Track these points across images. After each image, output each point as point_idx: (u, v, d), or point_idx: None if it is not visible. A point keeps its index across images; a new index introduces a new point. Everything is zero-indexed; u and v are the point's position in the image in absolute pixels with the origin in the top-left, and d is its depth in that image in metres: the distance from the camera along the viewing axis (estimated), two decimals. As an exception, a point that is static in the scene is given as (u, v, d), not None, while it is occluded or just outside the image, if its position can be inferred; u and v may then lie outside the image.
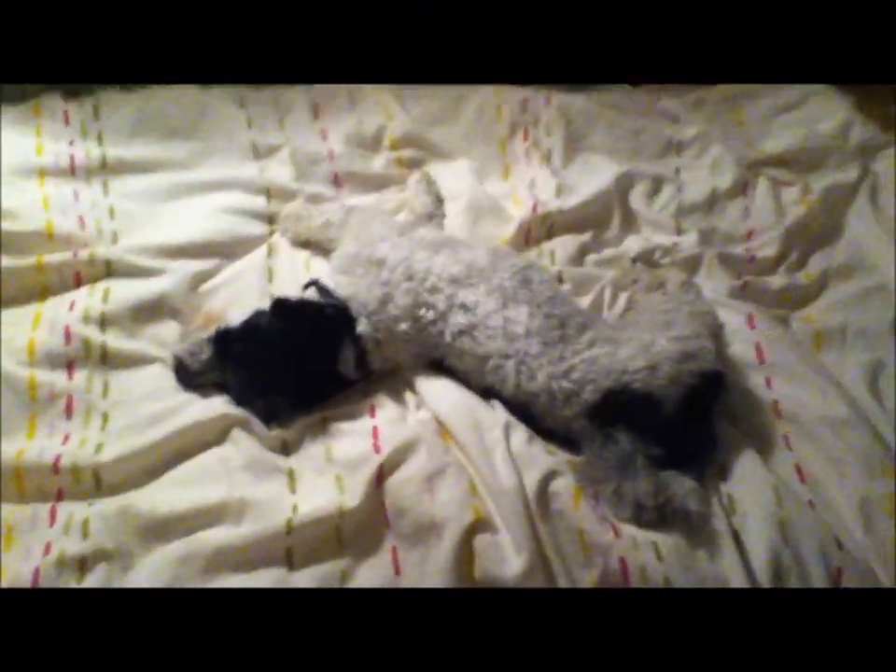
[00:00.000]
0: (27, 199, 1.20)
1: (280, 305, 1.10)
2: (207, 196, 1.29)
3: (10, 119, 1.29)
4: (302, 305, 1.11)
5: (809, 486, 1.04)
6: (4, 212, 1.16)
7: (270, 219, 1.29)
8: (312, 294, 1.14)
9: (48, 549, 0.92)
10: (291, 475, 1.02)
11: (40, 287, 1.14)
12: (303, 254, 1.26)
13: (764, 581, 0.95)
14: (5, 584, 0.90)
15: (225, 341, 1.08)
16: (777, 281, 1.28)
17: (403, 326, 1.09)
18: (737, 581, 0.94)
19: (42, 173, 1.24)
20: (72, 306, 1.12)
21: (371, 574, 0.94)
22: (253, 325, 1.09)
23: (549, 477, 0.99)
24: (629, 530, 0.96)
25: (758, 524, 0.99)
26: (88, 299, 1.13)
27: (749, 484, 1.03)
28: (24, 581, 0.89)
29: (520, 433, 1.04)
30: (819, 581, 0.96)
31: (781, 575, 0.96)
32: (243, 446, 1.03)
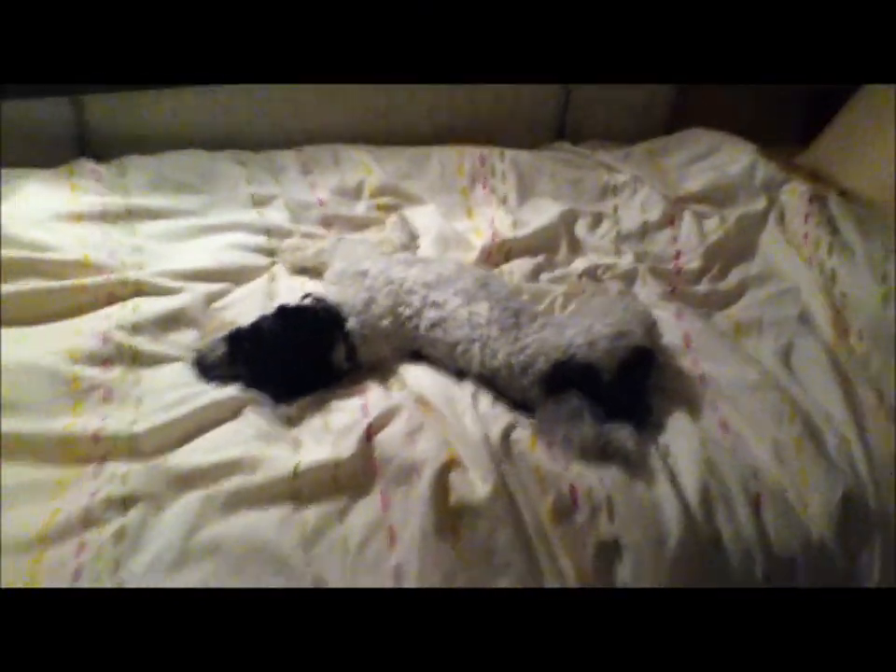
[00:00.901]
0: (65, 237, 1.43)
1: (282, 309, 1.32)
2: (216, 236, 1.52)
3: (46, 177, 1.53)
4: (301, 309, 1.32)
5: (731, 436, 1.24)
6: (44, 246, 1.39)
7: (270, 253, 1.52)
8: (308, 302, 1.36)
9: (94, 494, 1.09)
10: (295, 442, 1.20)
11: (80, 305, 1.35)
12: (300, 279, 1.49)
13: (695, 504, 1.13)
14: (54, 525, 1.06)
15: (236, 339, 1.29)
16: (701, 288, 1.52)
17: (385, 322, 1.31)
18: (670, 504, 1.12)
19: (78, 217, 1.48)
20: (107, 318, 1.33)
21: (363, 510, 1.11)
22: (259, 326, 1.30)
23: (509, 429, 1.19)
24: (577, 465, 1.15)
25: (687, 462, 1.18)
26: (120, 312, 1.34)
27: (679, 436, 1.22)
28: (75, 518, 1.05)
29: (485, 400, 1.24)
30: (741, 504, 1.14)
31: (709, 500, 1.14)
32: (254, 421, 1.22)
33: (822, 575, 1.13)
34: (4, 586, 0.96)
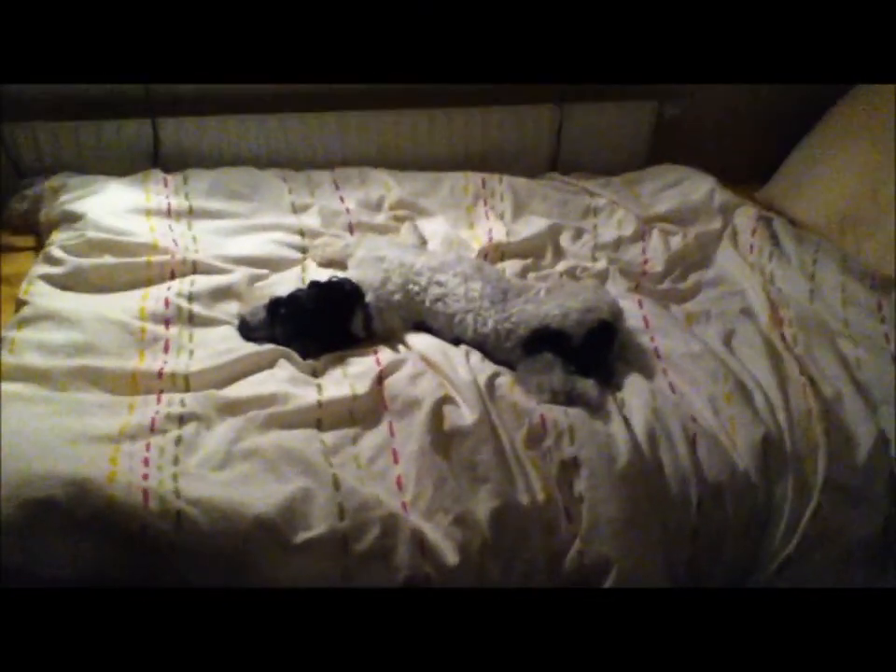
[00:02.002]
0: (137, 226, 1.74)
1: (313, 283, 1.61)
2: (260, 234, 1.82)
3: (125, 182, 1.86)
4: (329, 283, 1.62)
5: (677, 395, 1.50)
6: (121, 232, 1.71)
7: (303, 250, 1.82)
8: (335, 279, 1.65)
9: (157, 412, 1.36)
10: (319, 387, 1.48)
11: (147, 277, 1.65)
12: (328, 271, 1.79)
13: (642, 438, 1.38)
14: (128, 428, 1.33)
15: (275, 306, 1.58)
16: (662, 287, 1.81)
17: (397, 296, 1.60)
18: (622, 436, 1.37)
19: (148, 213, 1.79)
20: (169, 288, 1.63)
21: (374, 436, 1.37)
22: (294, 296, 1.60)
23: (494, 376, 1.46)
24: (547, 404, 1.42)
25: (638, 410, 1.43)
26: (180, 284, 1.64)
27: (634, 391, 1.48)
28: (144, 425, 1.32)
29: (476, 356, 1.52)
30: (680, 441, 1.39)
31: (654, 437, 1.39)
32: (286, 369, 1.49)
33: (745, 502, 1.37)
34: (88, 465, 1.22)
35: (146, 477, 1.21)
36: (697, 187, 2.04)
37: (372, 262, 1.65)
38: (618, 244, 1.94)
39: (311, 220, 1.89)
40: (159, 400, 1.40)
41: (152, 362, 1.47)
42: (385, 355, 1.54)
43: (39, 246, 1.80)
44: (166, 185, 1.89)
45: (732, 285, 1.82)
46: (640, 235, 1.95)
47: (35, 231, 1.85)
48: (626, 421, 1.41)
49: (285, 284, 1.72)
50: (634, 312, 1.67)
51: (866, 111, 1.99)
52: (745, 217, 1.94)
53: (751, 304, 1.74)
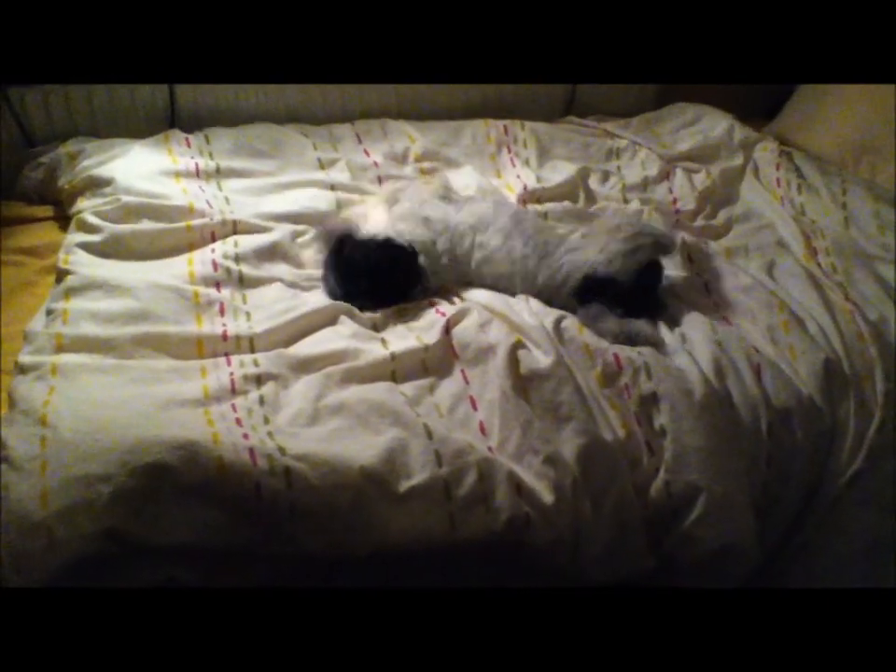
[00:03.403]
0: (170, 189, 1.69)
1: (385, 244, 1.58)
2: (293, 191, 1.78)
3: (148, 144, 1.79)
4: (387, 250, 1.57)
5: (734, 326, 1.54)
6: (155, 195, 1.65)
7: (337, 204, 1.79)
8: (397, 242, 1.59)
9: (232, 374, 1.34)
10: (383, 342, 1.47)
11: (189, 241, 1.60)
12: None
13: (710, 372, 1.42)
14: (210, 392, 1.30)
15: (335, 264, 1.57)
16: (697, 224, 1.84)
17: (444, 260, 1.60)
18: (691, 370, 1.40)
19: (177, 175, 1.73)
20: (213, 251, 1.59)
21: (449, 385, 1.38)
22: (352, 259, 1.56)
23: (559, 319, 1.47)
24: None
25: (701, 344, 1.47)
26: (223, 246, 1.59)
27: (693, 326, 1.52)
28: (224, 387, 1.30)
29: (535, 303, 1.53)
30: (745, 372, 1.44)
31: (721, 369, 1.43)
32: (348, 325, 1.48)
33: (812, 425, 1.42)
34: (190, 428, 1.20)
35: (246, 437, 1.20)
36: (715, 124, 2.07)
37: (418, 222, 1.63)
38: (645, 184, 1.95)
39: (339, 175, 1.85)
40: (229, 363, 1.38)
41: (212, 326, 1.45)
42: (445, 305, 1.53)
43: (59, 216, 1.73)
44: (189, 145, 1.83)
45: (762, 218, 1.86)
46: (665, 175, 1.97)
47: (51, 201, 1.78)
48: (691, 355, 1.45)
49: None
50: (677, 247, 1.70)
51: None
52: (766, 151, 1.98)
53: (784, 237, 1.78)
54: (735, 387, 1.42)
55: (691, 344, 1.48)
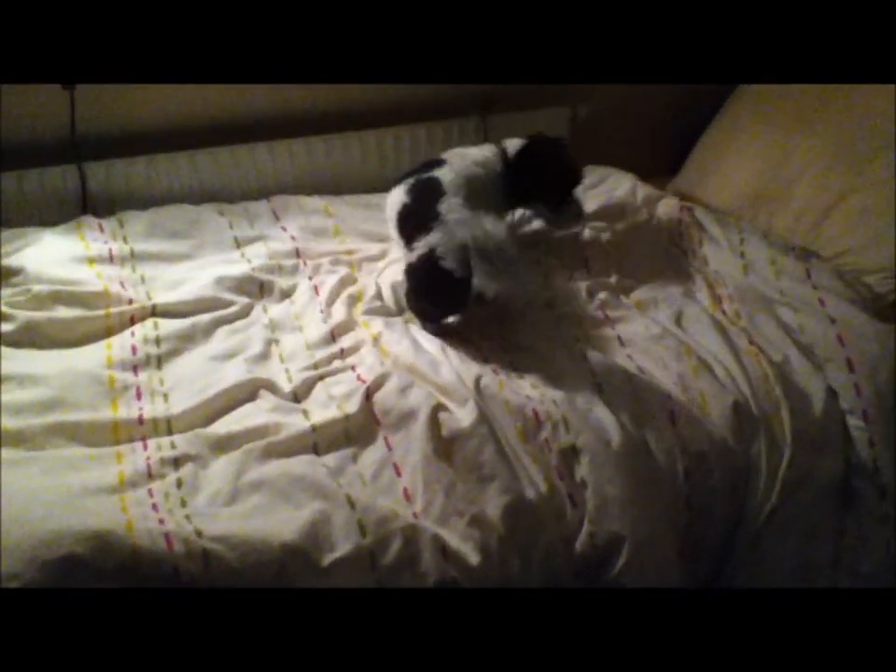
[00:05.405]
0: (83, 274, 1.68)
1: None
2: (209, 270, 1.77)
3: (59, 231, 1.79)
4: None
5: (647, 375, 1.57)
6: (68, 282, 1.64)
7: (259, 285, 1.76)
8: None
9: (149, 458, 1.32)
10: (305, 413, 1.47)
11: (107, 326, 1.59)
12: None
13: (627, 420, 1.44)
14: (126, 477, 1.28)
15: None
16: (611, 279, 1.89)
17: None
18: (609, 421, 1.42)
19: (90, 260, 1.73)
20: (133, 334, 1.58)
21: (372, 453, 1.38)
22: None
23: (479, 378, 1.49)
24: (535, 396, 1.47)
25: (617, 393, 1.51)
26: (142, 329, 1.59)
27: (608, 376, 1.56)
28: (140, 472, 1.28)
29: (456, 356, 1.55)
30: (661, 418, 1.47)
31: (637, 417, 1.46)
32: (268, 399, 1.48)
33: (727, 465, 1.47)
34: (103, 517, 1.17)
35: (162, 522, 1.18)
36: (619, 184, 2.16)
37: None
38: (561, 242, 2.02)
39: (257, 252, 1.87)
40: (145, 447, 1.36)
41: (128, 410, 1.43)
42: (365, 369, 1.55)
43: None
44: (102, 230, 1.83)
45: (668, 271, 1.93)
46: (575, 235, 2.04)
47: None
48: (609, 404, 1.49)
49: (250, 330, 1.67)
50: (589, 300, 1.76)
51: (763, 93, 2.16)
52: (668, 207, 2.08)
53: (690, 287, 1.86)
54: (650, 435, 1.46)
55: (607, 395, 1.52)
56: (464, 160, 1.81)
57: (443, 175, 1.74)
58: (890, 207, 1.87)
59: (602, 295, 1.79)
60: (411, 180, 1.77)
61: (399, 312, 1.71)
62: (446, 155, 1.84)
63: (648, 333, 1.67)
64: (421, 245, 1.61)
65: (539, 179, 1.84)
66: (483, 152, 1.86)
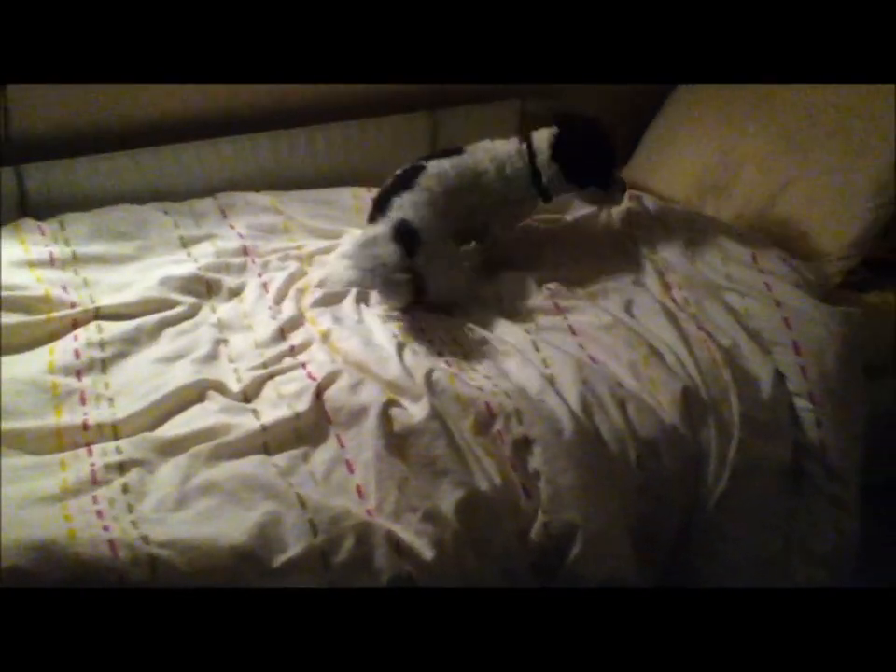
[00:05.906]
0: (25, 279, 1.64)
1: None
2: (154, 272, 1.75)
3: (-1, 236, 1.75)
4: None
5: (599, 364, 1.58)
6: (11, 287, 1.60)
7: (206, 284, 1.74)
8: None
9: (94, 464, 1.29)
10: (255, 412, 1.45)
11: (50, 332, 1.55)
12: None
13: (578, 409, 1.45)
14: (69, 485, 1.25)
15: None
16: (560, 273, 1.90)
17: None
18: (561, 410, 1.42)
19: (32, 264, 1.69)
20: (76, 338, 1.54)
21: (324, 451, 1.37)
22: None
23: (430, 373, 1.48)
24: (488, 388, 1.47)
25: (569, 383, 1.49)
26: (86, 334, 1.55)
27: (561, 367, 1.55)
28: (84, 479, 1.25)
29: (409, 353, 1.54)
30: (611, 407, 1.47)
31: (588, 406, 1.45)
32: (217, 400, 1.46)
33: (677, 451, 1.48)
34: (45, 527, 1.14)
35: (106, 529, 1.15)
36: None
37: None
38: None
39: (204, 251, 1.84)
40: (90, 453, 1.33)
41: (72, 416, 1.40)
42: (316, 367, 1.53)
43: None
44: (43, 233, 1.79)
45: (618, 260, 1.94)
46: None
47: None
48: (560, 395, 1.49)
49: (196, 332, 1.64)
50: (543, 291, 1.76)
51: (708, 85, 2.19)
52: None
53: (639, 275, 1.87)
54: (602, 423, 1.47)
55: (559, 385, 1.52)
56: (487, 153, 1.79)
57: (431, 166, 1.73)
58: (834, 194, 1.91)
59: (552, 285, 1.79)
60: (407, 165, 1.77)
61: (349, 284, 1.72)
62: (470, 147, 1.82)
63: (599, 322, 1.68)
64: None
65: (592, 162, 1.82)
66: (508, 148, 1.81)
